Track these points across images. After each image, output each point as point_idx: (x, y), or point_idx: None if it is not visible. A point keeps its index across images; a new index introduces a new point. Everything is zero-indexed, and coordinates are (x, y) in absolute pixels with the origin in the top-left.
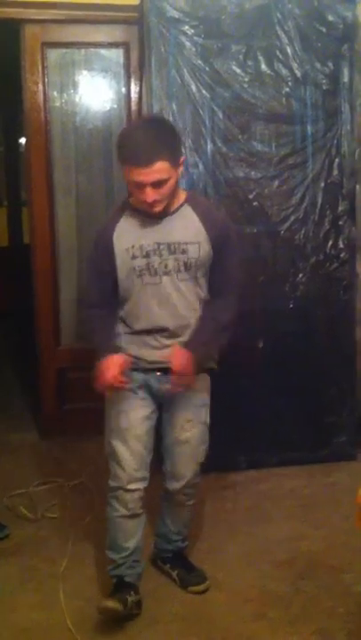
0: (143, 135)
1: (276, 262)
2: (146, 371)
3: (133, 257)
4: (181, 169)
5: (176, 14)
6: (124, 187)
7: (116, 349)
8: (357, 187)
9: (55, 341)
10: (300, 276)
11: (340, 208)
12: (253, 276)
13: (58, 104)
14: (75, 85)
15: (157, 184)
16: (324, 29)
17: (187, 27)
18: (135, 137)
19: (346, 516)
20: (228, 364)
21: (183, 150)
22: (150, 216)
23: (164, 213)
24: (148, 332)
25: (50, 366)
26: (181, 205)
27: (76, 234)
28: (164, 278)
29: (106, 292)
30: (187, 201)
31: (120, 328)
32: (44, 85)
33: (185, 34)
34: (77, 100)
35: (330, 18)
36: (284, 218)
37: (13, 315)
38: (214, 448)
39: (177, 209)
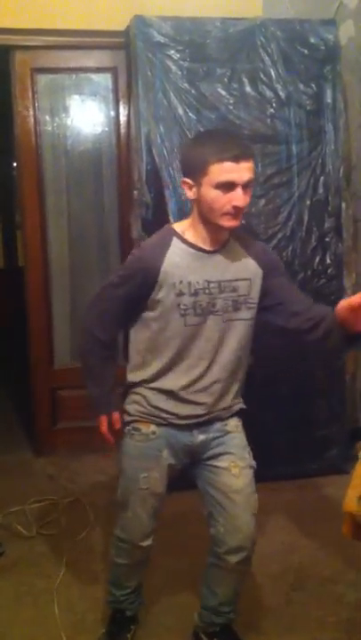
0: (230, 134)
1: None
2: (175, 426)
3: (180, 294)
4: None
5: (162, 39)
6: (115, 208)
7: (114, 406)
8: (343, 204)
9: (49, 361)
10: None
11: (326, 225)
12: None
13: (48, 128)
14: (65, 109)
15: (246, 187)
16: (306, 51)
17: (172, 51)
18: (223, 135)
19: (337, 529)
20: None
21: None
22: (205, 247)
23: (219, 244)
24: (185, 385)
25: (43, 385)
26: (228, 239)
27: (69, 254)
28: (210, 318)
29: (116, 326)
30: (230, 235)
31: (144, 376)
32: (34, 110)
33: (171, 58)
34: (68, 123)
35: (312, 40)
36: (272, 235)
37: (10, 333)
38: None
39: (226, 242)
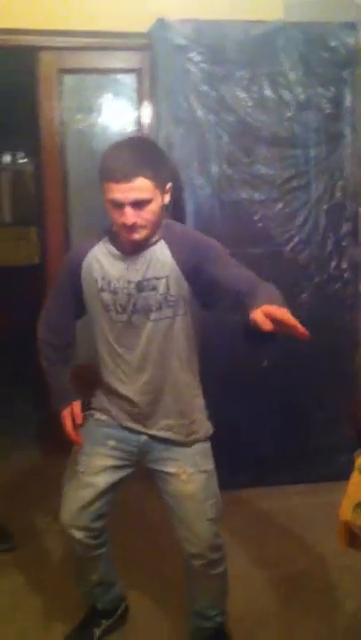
0: (125, 151)
1: (279, 282)
2: (124, 427)
3: (101, 289)
4: (168, 197)
5: (183, 42)
6: None
7: (72, 397)
8: (360, 209)
9: None
10: (304, 295)
11: (343, 229)
12: None
13: (74, 129)
14: (90, 110)
15: (137, 204)
16: (326, 55)
17: (193, 54)
18: (116, 152)
19: (336, 536)
20: (231, 384)
21: (170, 176)
22: (126, 250)
23: (141, 246)
24: (121, 379)
25: None
26: (159, 238)
27: None
28: (133, 317)
29: (63, 328)
30: (162, 233)
31: (98, 367)
32: (60, 111)
33: (191, 61)
34: (93, 124)
35: (332, 43)
36: (288, 239)
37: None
38: (217, 466)
39: (155, 242)
